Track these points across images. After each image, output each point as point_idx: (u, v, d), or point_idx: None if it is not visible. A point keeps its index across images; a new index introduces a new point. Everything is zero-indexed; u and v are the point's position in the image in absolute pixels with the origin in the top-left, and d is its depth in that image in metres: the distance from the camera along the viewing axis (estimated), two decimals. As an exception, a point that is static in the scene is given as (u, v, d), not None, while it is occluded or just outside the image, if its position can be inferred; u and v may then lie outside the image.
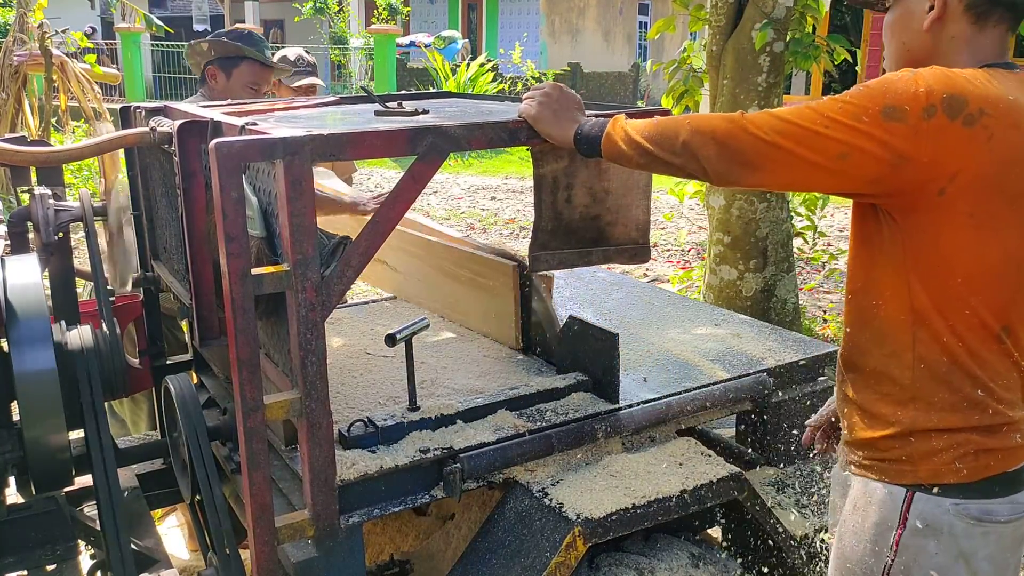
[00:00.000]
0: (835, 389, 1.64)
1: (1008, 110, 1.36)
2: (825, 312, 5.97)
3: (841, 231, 8.55)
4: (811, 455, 2.27)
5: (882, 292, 1.46)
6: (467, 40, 19.50)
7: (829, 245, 7.19)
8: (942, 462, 1.43)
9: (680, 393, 2.05)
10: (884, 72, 1.57)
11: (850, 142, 1.34)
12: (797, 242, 5.88)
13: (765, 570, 2.01)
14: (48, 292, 2.10)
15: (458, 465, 1.73)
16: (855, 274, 1.52)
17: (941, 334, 1.41)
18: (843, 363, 1.59)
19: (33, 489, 1.86)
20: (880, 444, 1.49)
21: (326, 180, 3.08)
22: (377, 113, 2.03)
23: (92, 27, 19.95)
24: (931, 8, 1.46)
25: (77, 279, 2.31)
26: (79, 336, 1.93)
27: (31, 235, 2.18)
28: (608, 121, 1.61)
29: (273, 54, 3.48)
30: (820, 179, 1.41)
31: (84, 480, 2.06)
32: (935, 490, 1.44)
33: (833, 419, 1.81)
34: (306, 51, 3.98)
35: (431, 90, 4.41)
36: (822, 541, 2.05)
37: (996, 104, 1.35)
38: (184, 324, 3.32)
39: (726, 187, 1.53)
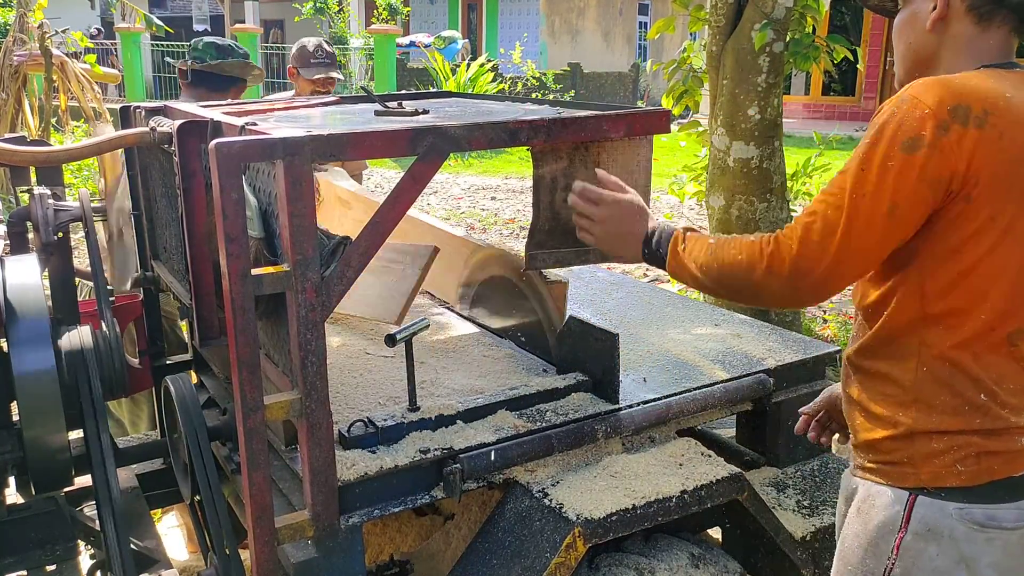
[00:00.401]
0: (840, 390, 1.63)
1: (1008, 108, 1.36)
2: (825, 312, 5.97)
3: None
4: (810, 453, 2.28)
5: (892, 298, 1.45)
6: (467, 40, 19.50)
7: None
8: (943, 464, 1.42)
9: (680, 393, 2.05)
10: (894, 76, 1.58)
11: (891, 196, 1.34)
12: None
13: (765, 570, 2.01)
14: (48, 292, 2.10)
15: (458, 465, 1.73)
16: (864, 281, 1.52)
17: (948, 339, 1.41)
18: (848, 363, 1.58)
19: (33, 489, 1.86)
20: (882, 446, 1.48)
21: (339, 180, 3.10)
22: (377, 113, 2.03)
23: (99, 28, 19.99)
24: (934, 8, 1.46)
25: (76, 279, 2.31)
26: (79, 336, 1.93)
27: (31, 235, 2.18)
28: (669, 242, 1.62)
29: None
30: (886, 245, 1.40)
31: (84, 480, 2.06)
32: (940, 494, 1.42)
33: (828, 410, 1.83)
34: (327, 42, 3.88)
35: (431, 90, 4.40)
36: (823, 542, 2.05)
37: (995, 103, 1.35)
38: (184, 324, 3.33)
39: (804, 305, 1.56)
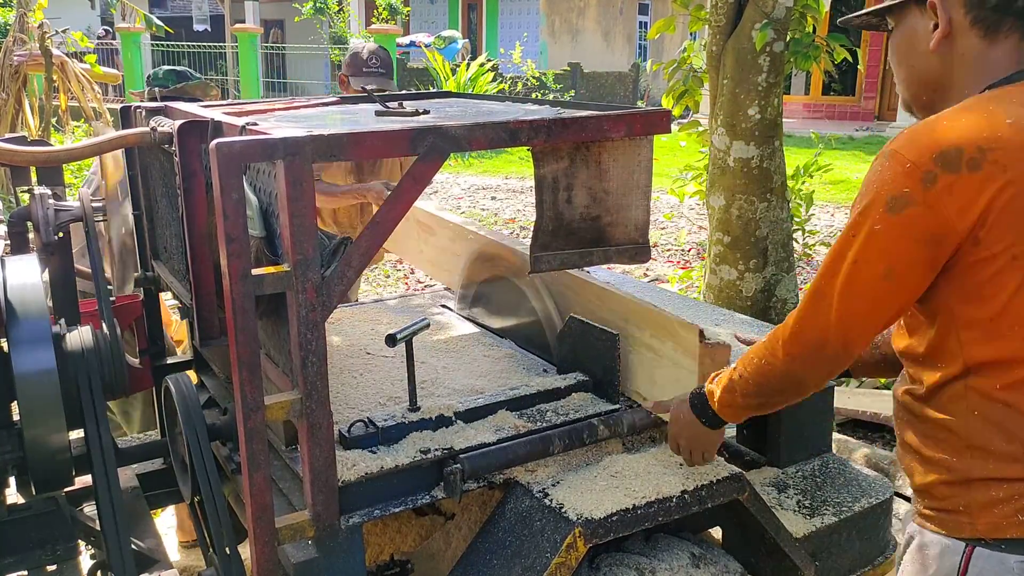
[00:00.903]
0: (895, 429, 1.53)
1: (1011, 137, 1.27)
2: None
3: (829, 227, 8.58)
4: (811, 453, 2.28)
5: (932, 347, 1.39)
6: (467, 40, 19.49)
7: (824, 242, 7.18)
8: (1003, 514, 1.32)
9: (680, 393, 2.05)
10: (899, 96, 1.54)
11: (884, 259, 1.31)
12: (793, 242, 5.88)
13: (766, 570, 2.01)
14: (48, 292, 2.10)
15: (458, 465, 1.73)
16: (901, 333, 1.47)
17: (995, 382, 1.33)
18: (896, 402, 1.49)
19: (33, 489, 1.86)
20: (936, 491, 1.40)
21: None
22: (378, 113, 2.03)
23: (106, 29, 20.05)
24: (935, 27, 1.38)
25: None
26: (79, 336, 1.93)
27: (31, 235, 2.18)
28: (706, 397, 1.66)
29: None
30: (893, 306, 1.36)
31: (84, 480, 2.06)
32: (1000, 545, 1.33)
33: None
34: (382, 48, 3.55)
35: (431, 90, 4.39)
36: (824, 541, 2.05)
37: (994, 136, 1.27)
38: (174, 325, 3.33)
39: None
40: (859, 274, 1.33)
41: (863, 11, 1.56)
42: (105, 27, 20.62)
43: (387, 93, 2.81)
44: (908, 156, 1.29)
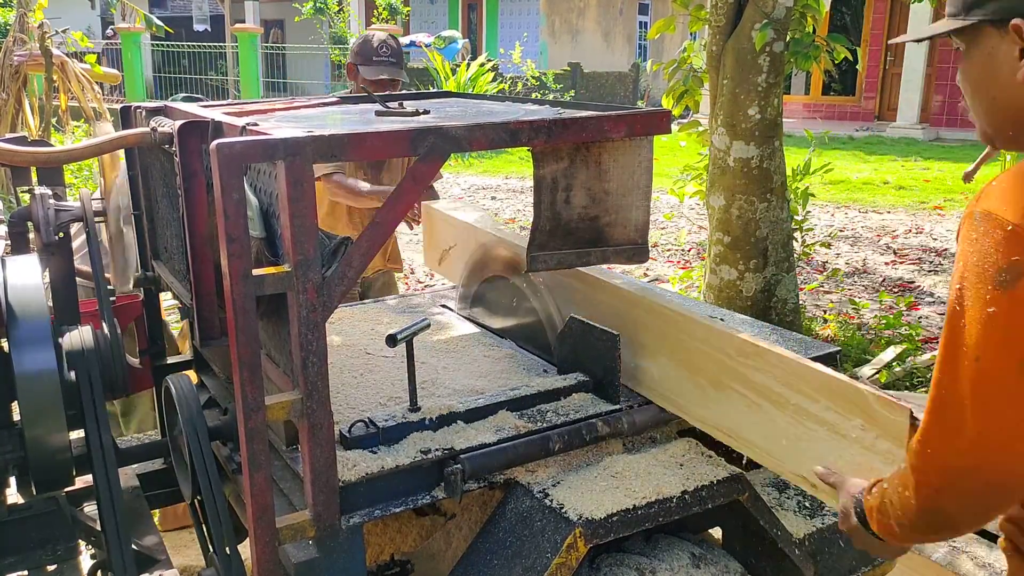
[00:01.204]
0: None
1: None
2: (825, 312, 5.96)
3: (829, 227, 8.58)
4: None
5: None
6: (467, 40, 19.47)
7: (824, 242, 7.18)
8: None
9: (681, 393, 2.05)
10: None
11: (1015, 347, 1.07)
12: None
13: (766, 571, 2.01)
14: (48, 292, 2.10)
15: (459, 466, 1.73)
16: None
17: None
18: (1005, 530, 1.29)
19: (33, 489, 1.86)
20: None
21: (472, 217, 3.03)
22: (378, 113, 2.03)
23: (113, 30, 20.11)
24: (1022, 52, 1.19)
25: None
26: (80, 336, 1.93)
27: (31, 235, 2.18)
28: (862, 508, 1.35)
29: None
30: None
31: (84, 480, 2.06)
32: None
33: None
34: (393, 37, 3.41)
35: (431, 90, 4.39)
36: (823, 542, 2.05)
37: None
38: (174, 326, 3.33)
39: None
40: (988, 372, 1.08)
41: (921, 35, 1.40)
42: (113, 28, 20.72)
43: (388, 93, 2.81)
44: (1008, 217, 1.08)
